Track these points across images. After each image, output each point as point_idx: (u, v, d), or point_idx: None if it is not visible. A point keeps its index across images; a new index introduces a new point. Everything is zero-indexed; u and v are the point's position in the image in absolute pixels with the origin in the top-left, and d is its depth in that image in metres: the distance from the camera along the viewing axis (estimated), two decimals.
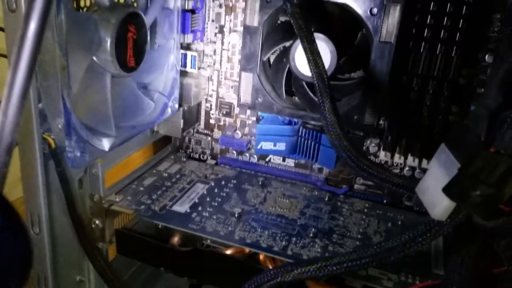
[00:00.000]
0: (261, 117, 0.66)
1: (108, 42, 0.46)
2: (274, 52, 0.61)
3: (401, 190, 0.42)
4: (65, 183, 0.49)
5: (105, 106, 0.49)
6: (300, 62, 0.56)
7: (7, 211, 0.25)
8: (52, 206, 0.48)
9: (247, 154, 0.71)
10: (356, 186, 0.66)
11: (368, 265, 0.40)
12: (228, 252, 0.54)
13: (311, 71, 0.45)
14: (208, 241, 0.54)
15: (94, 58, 0.46)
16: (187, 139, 0.73)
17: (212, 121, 0.71)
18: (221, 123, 0.70)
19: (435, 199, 0.36)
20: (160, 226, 0.55)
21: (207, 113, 0.71)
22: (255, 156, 0.70)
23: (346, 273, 0.43)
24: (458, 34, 0.52)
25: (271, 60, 0.63)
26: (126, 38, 0.49)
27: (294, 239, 0.53)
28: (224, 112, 0.69)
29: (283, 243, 0.52)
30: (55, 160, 0.46)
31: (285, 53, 0.58)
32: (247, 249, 0.53)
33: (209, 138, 0.72)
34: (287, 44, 0.58)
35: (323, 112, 0.43)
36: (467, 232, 0.43)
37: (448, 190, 0.33)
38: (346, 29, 0.57)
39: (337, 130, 0.42)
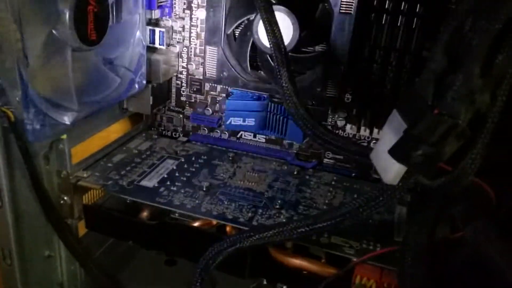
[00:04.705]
0: (230, 93, 0.66)
1: (67, 15, 0.46)
2: (239, 25, 0.61)
3: (357, 157, 0.43)
4: (27, 157, 0.48)
5: (66, 80, 0.49)
6: (264, 35, 0.56)
7: None
8: (14, 180, 0.48)
9: (218, 131, 0.71)
10: (325, 161, 0.67)
11: (323, 229, 0.40)
12: (195, 224, 0.54)
13: (269, 41, 0.45)
14: (177, 214, 0.54)
15: (53, 31, 0.46)
16: (158, 116, 0.73)
17: (183, 98, 0.71)
18: (192, 100, 0.70)
19: (387, 163, 0.37)
20: (128, 201, 0.55)
21: (178, 90, 0.71)
22: (226, 132, 0.71)
23: (303, 238, 0.44)
24: (418, 5, 0.52)
25: (236, 34, 0.63)
26: (87, 11, 0.48)
27: (260, 210, 0.54)
28: (195, 89, 0.69)
29: (249, 214, 0.53)
30: (16, 133, 0.46)
31: (249, 26, 0.58)
32: (214, 221, 0.53)
33: (181, 116, 0.72)
34: (251, 17, 0.58)
35: (280, 81, 0.43)
36: (424, 199, 0.44)
37: (393, 151, 0.34)
38: (308, 2, 0.57)
39: (294, 98, 0.43)
